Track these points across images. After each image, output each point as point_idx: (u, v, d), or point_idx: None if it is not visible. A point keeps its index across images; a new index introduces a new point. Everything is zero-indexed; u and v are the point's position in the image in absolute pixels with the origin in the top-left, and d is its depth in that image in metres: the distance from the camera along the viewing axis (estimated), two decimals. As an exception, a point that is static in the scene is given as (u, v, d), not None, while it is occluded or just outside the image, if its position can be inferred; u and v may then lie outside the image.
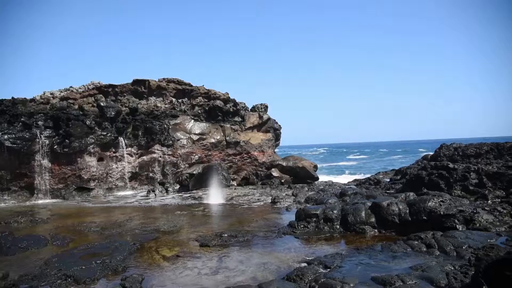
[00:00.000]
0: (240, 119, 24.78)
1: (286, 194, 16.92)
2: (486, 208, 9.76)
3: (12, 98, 20.29)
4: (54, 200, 19.07)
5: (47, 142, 19.41)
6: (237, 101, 25.56)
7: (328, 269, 6.66)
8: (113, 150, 21.54)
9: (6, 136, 18.00)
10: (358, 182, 20.79)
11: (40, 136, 19.22)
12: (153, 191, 19.95)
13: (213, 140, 23.06)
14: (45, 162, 19.36)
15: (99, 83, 23.53)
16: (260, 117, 25.07)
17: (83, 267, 7.46)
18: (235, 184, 22.10)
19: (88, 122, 20.43)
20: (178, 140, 22.40)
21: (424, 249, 7.58)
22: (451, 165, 13.50)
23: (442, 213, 9.08)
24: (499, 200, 11.20)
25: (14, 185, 18.90)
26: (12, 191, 18.84)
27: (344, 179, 27.33)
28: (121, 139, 21.61)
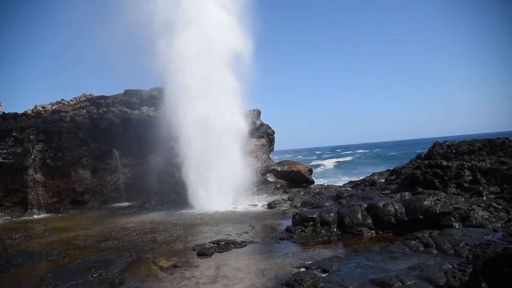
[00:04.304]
0: (233, 125, 24.67)
1: (282, 199, 16.87)
2: (481, 204, 9.80)
3: (3, 113, 20.12)
4: (48, 215, 18.87)
5: (39, 156, 19.24)
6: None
7: (327, 273, 6.63)
8: (107, 161, 21.38)
9: (-3, 152, 17.83)
10: (353, 184, 20.80)
11: (32, 150, 19.06)
12: (149, 201, 19.80)
13: (207, 148, 22.89)
14: (38, 176, 19.18)
15: (90, 95, 23.39)
16: (253, 123, 25.05)
17: (79, 282, 7.36)
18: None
19: (80, 135, 20.30)
20: (172, 149, 22.28)
21: (422, 248, 7.59)
22: (445, 163, 13.56)
23: (438, 211, 9.10)
24: (494, 196, 11.26)
25: (7, 201, 18.70)
26: (5, 207, 18.64)
27: (339, 181, 27.35)
28: (114, 150, 21.47)
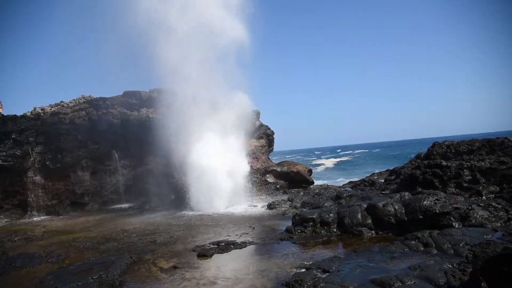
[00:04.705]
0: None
1: (282, 199, 16.87)
2: (481, 204, 9.82)
3: (2, 115, 20.09)
4: (48, 217, 18.83)
5: (38, 158, 19.22)
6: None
7: (327, 274, 6.63)
8: (106, 163, 21.36)
9: (-3, 154, 17.82)
10: (353, 184, 20.81)
11: (32, 153, 19.03)
12: (149, 202, 19.77)
13: (206, 149, 22.86)
14: (38, 179, 19.15)
15: (89, 96, 23.36)
16: (252, 124, 25.00)
17: (79, 284, 7.36)
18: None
19: (79, 136, 20.28)
20: (171, 150, 22.23)
21: (422, 248, 7.59)
22: (444, 163, 13.57)
23: (437, 211, 9.11)
24: (493, 195, 11.26)
25: (6, 203, 18.66)
26: (4, 209, 18.60)
27: (339, 181, 27.37)
28: (113, 152, 21.45)
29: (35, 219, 18.47)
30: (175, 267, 8.13)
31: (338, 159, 66.29)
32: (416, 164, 16.13)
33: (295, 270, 7.22)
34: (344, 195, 14.85)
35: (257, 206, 16.50)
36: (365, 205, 10.50)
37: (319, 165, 55.58)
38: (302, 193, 18.87)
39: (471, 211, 9.09)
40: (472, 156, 15.51)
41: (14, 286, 7.84)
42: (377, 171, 25.38)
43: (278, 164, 23.22)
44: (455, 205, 9.35)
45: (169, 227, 13.12)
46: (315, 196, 17.47)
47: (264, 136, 25.68)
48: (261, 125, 25.61)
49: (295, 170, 21.83)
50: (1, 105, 21.88)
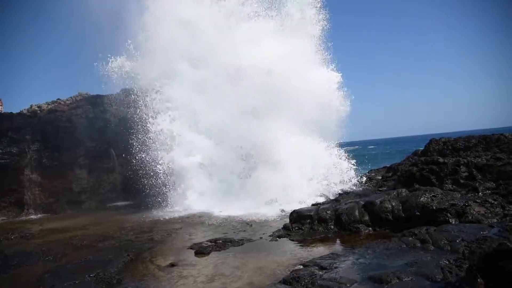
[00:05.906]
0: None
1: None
2: (477, 200, 9.82)
3: (-2, 113, 20.03)
4: (45, 215, 18.80)
5: (35, 156, 19.17)
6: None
7: (324, 271, 6.63)
8: (104, 161, 21.31)
9: (-7, 152, 17.77)
10: (350, 181, 20.79)
11: (28, 150, 18.98)
12: (146, 200, 19.71)
13: (204, 146, 22.84)
14: (35, 176, 19.10)
15: (86, 94, 23.27)
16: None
17: (77, 282, 7.36)
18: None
19: (77, 134, 20.22)
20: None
21: (419, 244, 7.60)
22: (441, 160, 13.57)
23: (434, 207, 9.14)
24: (490, 191, 11.27)
25: (3, 201, 18.61)
26: (1, 207, 18.55)
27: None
28: (111, 149, 21.40)
29: (32, 217, 18.44)
30: (172, 265, 8.13)
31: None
32: (413, 160, 16.15)
33: (292, 267, 7.22)
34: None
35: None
36: (362, 202, 10.51)
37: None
38: (300, 190, 18.82)
39: (467, 208, 9.11)
40: (468, 153, 15.53)
41: (11, 285, 7.83)
42: (374, 168, 25.40)
43: (276, 161, 23.17)
44: (452, 202, 9.37)
45: (166, 225, 13.12)
46: (313, 193, 17.42)
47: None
48: (259, 122, 25.49)
49: (293, 167, 21.79)
50: (1, 102, 21.81)
